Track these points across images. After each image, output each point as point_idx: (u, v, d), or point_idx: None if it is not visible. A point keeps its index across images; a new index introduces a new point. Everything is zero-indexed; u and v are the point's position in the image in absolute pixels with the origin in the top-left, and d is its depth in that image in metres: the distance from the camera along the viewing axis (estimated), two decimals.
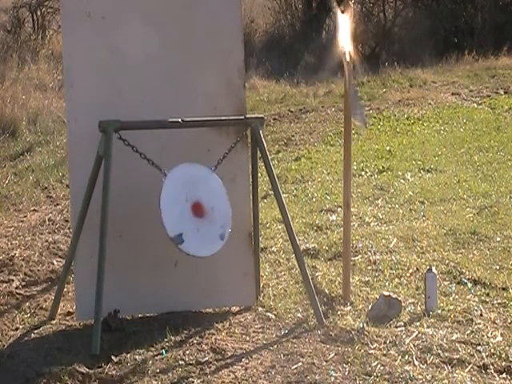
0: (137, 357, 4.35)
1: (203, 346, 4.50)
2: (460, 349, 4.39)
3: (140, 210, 4.83)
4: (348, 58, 4.95)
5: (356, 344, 4.46)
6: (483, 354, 4.33)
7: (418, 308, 4.96)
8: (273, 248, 6.18)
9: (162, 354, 4.39)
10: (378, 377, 4.09)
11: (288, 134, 11.47)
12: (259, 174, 5.13)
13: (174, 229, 4.53)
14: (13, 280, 5.56)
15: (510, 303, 5.08)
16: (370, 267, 5.75)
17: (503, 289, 5.32)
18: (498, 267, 5.75)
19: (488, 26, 21.33)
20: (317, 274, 5.59)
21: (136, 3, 4.95)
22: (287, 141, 10.98)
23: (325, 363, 4.27)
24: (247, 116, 4.98)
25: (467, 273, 5.58)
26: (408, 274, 5.58)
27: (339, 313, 4.89)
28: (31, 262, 5.90)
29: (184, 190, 4.64)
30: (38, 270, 5.76)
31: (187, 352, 4.42)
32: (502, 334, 4.58)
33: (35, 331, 4.74)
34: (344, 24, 4.97)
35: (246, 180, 5.08)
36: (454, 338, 4.54)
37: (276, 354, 4.39)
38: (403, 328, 4.67)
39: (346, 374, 4.14)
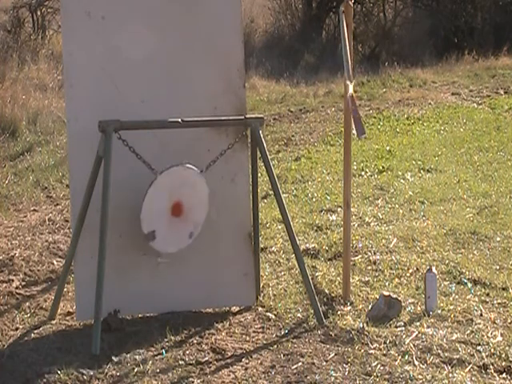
0: (137, 357, 4.35)
1: (203, 345, 4.51)
2: (460, 349, 4.39)
3: (140, 210, 4.83)
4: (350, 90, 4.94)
5: (356, 344, 4.46)
6: (483, 354, 4.33)
7: (418, 308, 4.96)
8: (273, 248, 6.18)
9: (162, 354, 4.39)
10: (377, 377, 4.10)
11: (288, 133, 11.47)
12: (259, 174, 5.13)
13: (148, 226, 4.68)
14: (13, 280, 5.56)
15: (510, 303, 5.08)
16: (369, 267, 5.75)
17: (503, 289, 5.32)
18: (498, 267, 5.75)
19: (488, 26, 21.35)
20: (317, 274, 5.59)
21: (136, 3, 4.94)
22: (287, 141, 10.98)
23: (325, 363, 4.27)
24: (247, 116, 4.98)
25: (467, 273, 5.58)
26: (408, 274, 5.58)
27: (339, 313, 4.89)
28: (31, 262, 5.90)
29: (169, 190, 4.71)
30: (38, 270, 5.76)
31: (187, 352, 4.42)
32: (502, 334, 4.58)
33: (35, 331, 4.74)
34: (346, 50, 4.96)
35: (246, 180, 5.08)
36: (453, 337, 4.54)
37: (276, 354, 4.39)
38: (403, 328, 4.67)
39: (346, 373, 4.14)
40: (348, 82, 4.94)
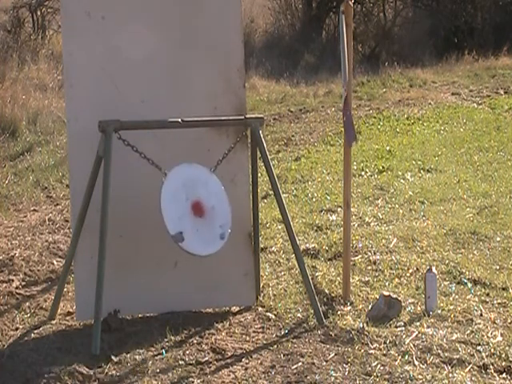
0: (137, 357, 4.35)
1: (203, 345, 4.50)
2: (460, 349, 4.39)
3: (140, 210, 4.83)
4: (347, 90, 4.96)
5: (356, 344, 4.46)
6: (483, 354, 4.33)
7: (418, 308, 4.96)
8: (273, 248, 6.18)
9: (162, 354, 4.39)
10: (378, 377, 4.09)
11: (288, 133, 11.48)
12: (259, 174, 5.13)
13: (174, 227, 4.55)
14: (13, 280, 5.56)
15: (510, 303, 5.08)
16: (369, 267, 5.75)
17: (503, 289, 5.32)
18: (498, 267, 5.75)
19: (488, 26, 21.37)
20: (317, 274, 5.59)
21: (136, 3, 4.94)
22: (287, 141, 10.99)
23: (325, 363, 4.27)
24: (247, 116, 4.98)
25: (467, 273, 5.58)
26: (408, 274, 5.58)
27: (339, 313, 4.89)
28: (31, 261, 5.90)
29: (184, 189, 4.65)
30: (38, 270, 5.76)
31: (187, 352, 4.42)
32: (502, 334, 4.58)
33: (35, 331, 4.74)
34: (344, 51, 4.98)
35: (246, 180, 5.08)
36: (453, 337, 4.54)
37: (276, 354, 4.39)
38: (403, 328, 4.66)
39: (346, 373, 4.14)
40: (343, 90, 4.97)
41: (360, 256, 5.97)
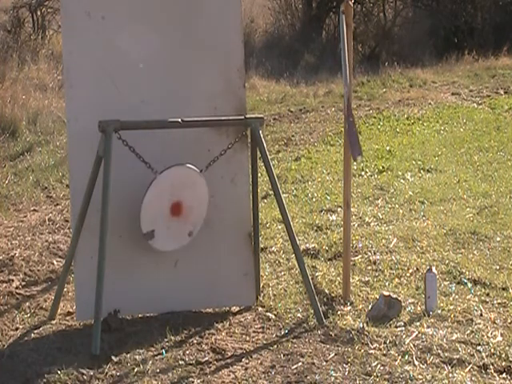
0: (137, 357, 4.35)
1: (203, 345, 4.50)
2: (460, 349, 4.39)
3: (140, 209, 4.83)
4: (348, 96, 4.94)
5: (356, 344, 4.46)
6: (483, 354, 4.33)
7: (418, 308, 4.96)
8: (273, 248, 6.18)
9: (162, 354, 4.39)
10: (377, 377, 4.10)
11: (288, 133, 11.48)
12: (259, 174, 5.13)
13: (147, 225, 4.69)
14: (13, 280, 5.56)
15: (510, 303, 5.08)
16: (369, 267, 5.75)
17: (503, 289, 5.32)
18: (498, 267, 5.75)
19: (488, 26, 21.37)
20: (317, 274, 5.59)
21: (136, 3, 4.94)
22: (287, 141, 10.99)
23: (325, 363, 4.27)
24: (247, 116, 4.98)
25: (467, 273, 5.58)
26: (408, 274, 5.58)
27: (339, 313, 4.89)
28: (31, 261, 5.90)
29: (169, 190, 4.71)
30: (38, 270, 5.76)
31: (187, 352, 4.42)
32: (502, 334, 4.58)
33: (35, 331, 4.74)
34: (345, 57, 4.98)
35: (246, 180, 5.08)
36: (453, 337, 4.54)
37: (276, 354, 4.39)
38: (403, 328, 4.67)
39: (346, 373, 4.14)
40: (345, 91, 4.95)
41: (360, 256, 5.97)
